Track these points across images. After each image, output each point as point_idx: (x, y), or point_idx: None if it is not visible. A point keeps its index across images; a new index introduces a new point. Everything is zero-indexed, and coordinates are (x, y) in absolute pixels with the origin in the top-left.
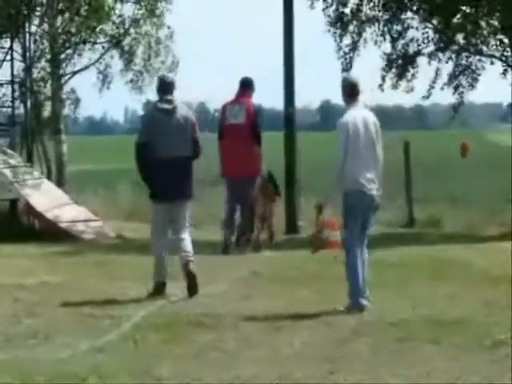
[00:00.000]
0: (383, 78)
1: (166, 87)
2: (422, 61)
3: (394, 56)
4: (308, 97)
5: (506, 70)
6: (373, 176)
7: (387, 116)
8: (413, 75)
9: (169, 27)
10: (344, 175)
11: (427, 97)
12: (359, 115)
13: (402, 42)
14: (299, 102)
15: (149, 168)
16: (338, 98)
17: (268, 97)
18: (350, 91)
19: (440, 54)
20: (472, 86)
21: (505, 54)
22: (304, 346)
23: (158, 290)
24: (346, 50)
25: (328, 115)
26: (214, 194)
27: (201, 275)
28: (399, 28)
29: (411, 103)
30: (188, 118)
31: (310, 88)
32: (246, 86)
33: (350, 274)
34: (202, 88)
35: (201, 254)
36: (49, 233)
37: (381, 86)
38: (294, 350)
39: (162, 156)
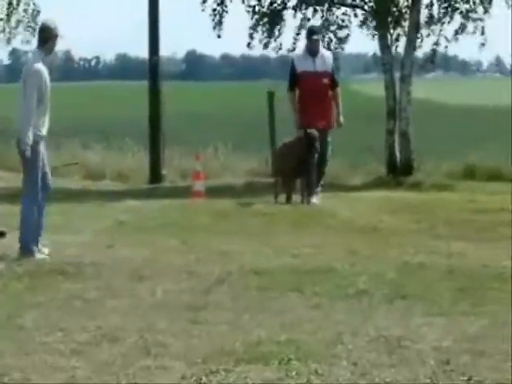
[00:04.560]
0: (251, 36)
1: None
2: (287, 14)
3: (260, 14)
4: (173, 46)
5: (366, 18)
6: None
7: (253, 66)
8: (280, 30)
9: None
10: None
11: (292, 50)
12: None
13: None
14: (164, 51)
15: None
16: (203, 48)
17: (133, 45)
18: (40, 35)
19: (303, 6)
20: (342, 41)
21: (367, 3)
22: (167, 296)
23: None
24: (214, 5)
25: (194, 65)
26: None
27: (65, 224)
28: None
29: (277, 54)
30: None
31: (176, 37)
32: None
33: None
34: (68, 36)
35: (64, 202)
36: None
37: (249, 44)
38: (157, 299)
39: None
